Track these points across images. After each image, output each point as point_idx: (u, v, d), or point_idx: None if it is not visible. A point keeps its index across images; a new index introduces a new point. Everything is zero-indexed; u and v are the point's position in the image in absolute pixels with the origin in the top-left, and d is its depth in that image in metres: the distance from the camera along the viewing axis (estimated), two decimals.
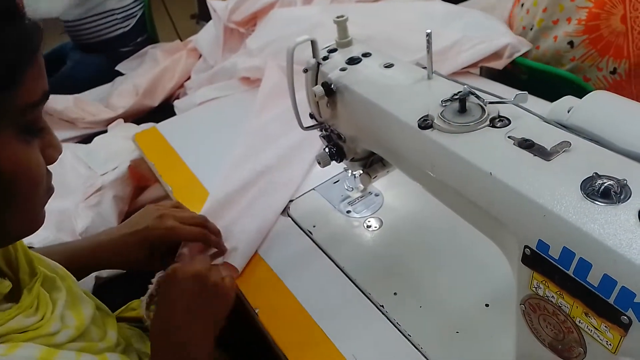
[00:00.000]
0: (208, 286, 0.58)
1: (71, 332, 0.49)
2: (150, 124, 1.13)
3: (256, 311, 0.65)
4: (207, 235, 0.69)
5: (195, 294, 0.57)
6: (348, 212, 0.77)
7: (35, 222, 0.45)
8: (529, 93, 0.45)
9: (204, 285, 0.57)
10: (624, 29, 0.91)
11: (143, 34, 1.82)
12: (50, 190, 0.46)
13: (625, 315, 0.33)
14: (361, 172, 0.69)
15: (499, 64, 0.97)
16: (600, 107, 0.44)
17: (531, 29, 1.03)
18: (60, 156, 0.45)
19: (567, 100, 0.47)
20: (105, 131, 1.22)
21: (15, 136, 0.38)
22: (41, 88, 0.39)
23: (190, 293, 0.57)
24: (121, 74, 1.56)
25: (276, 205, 0.78)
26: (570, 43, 0.96)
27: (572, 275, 0.35)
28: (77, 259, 0.65)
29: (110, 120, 1.28)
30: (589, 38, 0.94)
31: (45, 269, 0.52)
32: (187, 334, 0.55)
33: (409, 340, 0.58)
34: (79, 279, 0.60)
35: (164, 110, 1.28)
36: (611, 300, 0.33)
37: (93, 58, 1.73)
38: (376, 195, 0.79)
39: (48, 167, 0.44)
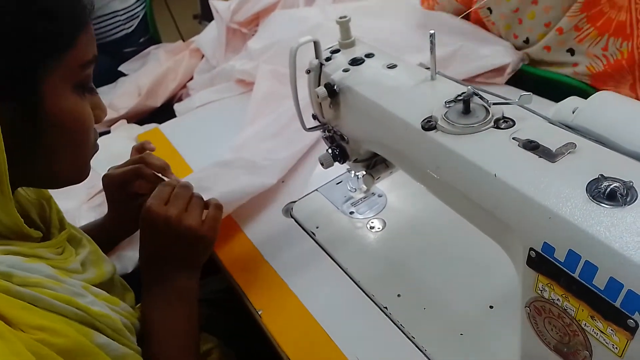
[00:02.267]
0: (180, 230, 0.57)
1: (89, 276, 0.51)
2: (153, 125, 1.13)
3: (259, 312, 0.64)
4: (139, 169, 0.67)
5: (167, 237, 0.58)
6: (351, 213, 0.77)
7: (81, 171, 0.50)
8: (539, 96, 0.45)
9: (175, 229, 0.57)
10: (633, 97, 0.84)
11: (146, 35, 1.82)
12: (95, 147, 0.51)
13: (632, 318, 0.33)
14: (364, 173, 0.69)
15: (499, 80, 0.97)
16: (605, 108, 0.44)
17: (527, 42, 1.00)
18: None
19: (572, 101, 0.46)
20: (108, 132, 1.22)
21: (72, 90, 0.45)
22: (92, 51, 0.46)
23: (163, 235, 0.58)
24: (124, 75, 1.56)
25: (265, 177, 0.80)
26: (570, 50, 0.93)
27: (578, 278, 0.35)
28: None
29: (113, 121, 1.28)
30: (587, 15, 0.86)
31: (74, 230, 0.57)
32: (168, 267, 0.58)
33: (412, 342, 0.58)
34: None
35: (166, 111, 1.28)
36: (617, 304, 0.33)
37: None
38: (379, 196, 0.79)
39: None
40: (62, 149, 0.46)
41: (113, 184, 0.69)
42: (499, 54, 0.96)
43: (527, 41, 0.96)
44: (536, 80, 0.97)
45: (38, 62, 0.41)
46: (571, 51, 0.90)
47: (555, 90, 0.94)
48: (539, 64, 0.97)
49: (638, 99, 0.83)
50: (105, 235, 0.70)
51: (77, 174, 0.50)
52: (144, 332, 0.55)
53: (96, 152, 0.52)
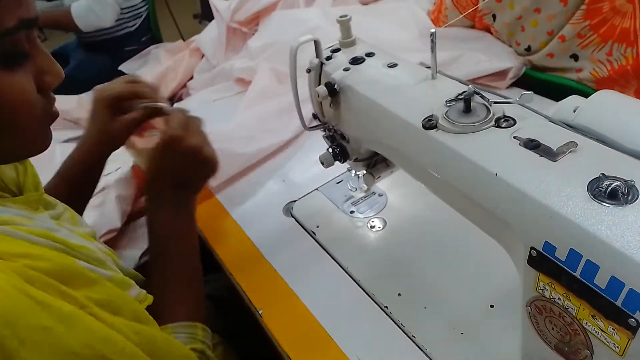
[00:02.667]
0: (201, 159, 0.60)
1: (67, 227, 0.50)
2: None
3: (260, 312, 0.64)
4: (136, 87, 0.68)
5: (188, 164, 0.60)
6: (352, 212, 0.77)
7: (34, 144, 0.46)
8: (542, 96, 0.45)
9: (196, 157, 0.60)
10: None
11: (147, 34, 1.83)
12: (52, 115, 0.47)
13: (633, 317, 0.33)
14: (365, 172, 0.69)
15: (501, 84, 0.96)
16: (606, 107, 0.44)
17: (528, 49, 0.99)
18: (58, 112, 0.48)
19: (573, 100, 0.46)
20: None
21: None
22: (16, 16, 0.39)
23: (184, 163, 0.60)
24: (124, 74, 1.56)
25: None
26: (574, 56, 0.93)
27: (579, 277, 0.35)
28: (76, 166, 0.70)
29: None
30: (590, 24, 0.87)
31: (49, 198, 0.55)
32: (183, 192, 0.61)
33: (413, 341, 0.58)
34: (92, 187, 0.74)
35: None
36: (619, 303, 0.33)
37: (96, 58, 1.73)
38: (380, 195, 0.79)
39: (51, 92, 0.46)
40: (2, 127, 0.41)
41: (106, 98, 0.67)
42: (501, 58, 0.96)
43: (529, 49, 0.96)
44: (539, 84, 0.97)
45: None
46: (575, 57, 0.90)
47: (558, 92, 0.94)
48: (543, 70, 0.97)
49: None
50: (85, 159, 0.70)
51: (29, 149, 0.46)
52: (151, 245, 0.59)
53: (55, 118, 0.48)
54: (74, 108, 1.28)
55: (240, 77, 1.13)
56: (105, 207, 0.95)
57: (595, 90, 0.87)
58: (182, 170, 0.60)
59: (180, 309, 0.55)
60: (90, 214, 0.94)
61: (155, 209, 0.60)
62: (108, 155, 0.72)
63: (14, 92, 0.41)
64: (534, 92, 0.44)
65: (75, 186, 0.71)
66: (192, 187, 0.62)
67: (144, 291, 0.51)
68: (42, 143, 0.47)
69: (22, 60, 0.42)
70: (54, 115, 0.48)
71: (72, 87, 1.45)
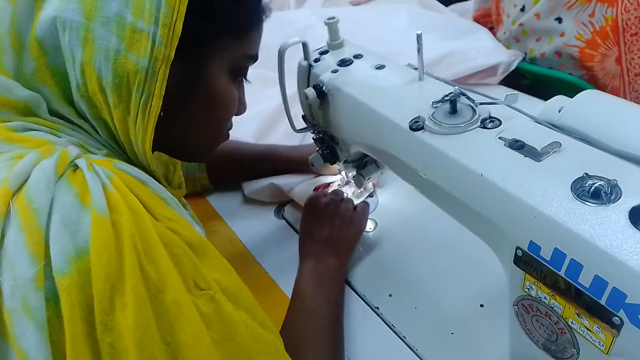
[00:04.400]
0: (338, 211, 0.69)
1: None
2: None
3: None
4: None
5: (327, 222, 0.68)
6: None
7: (209, 150, 0.55)
8: (532, 96, 0.45)
9: (333, 215, 0.68)
10: (619, 70, 0.88)
11: None
12: (227, 136, 0.56)
13: (617, 316, 0.33)
14: (355, 173, 0.69)
15: (493, 80, 0.97)
16: (591, 107, 0.44)
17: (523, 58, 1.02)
18: None
19: (559, 100, 0.46)
20: None
21: (227, 73, 0.48)
22: (255, 49, 0.50)
23: (321, 221, 0.68)
24: None
25: None
26: (570, 75, 0.94)
27: (564, 276, 0.35)
28: (269, 157, 0.83)
29: None
30: (587, 74, 0.92)
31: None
32: (324, 248, 0.65)
33: (404, 341, 0.58)
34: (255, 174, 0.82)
35: None
36: (602, 301, 0.33)
37: None
38: (371, 196, 0.79)
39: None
40: (202, 121, 0.49)
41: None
42: (491, 54, 0.96)
43: (523, 9, 0.97)
44: (532, 78, 0.98)
45: (215, 37, 0.45)
46: (559, 19, 0.91)
47: (550, 89, 0.95)
48: (531, 33, 0.98)
49: (623, 72, 0.87)
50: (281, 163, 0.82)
51: (204, 152, 0.55)
52: (296, 298, 0.60)
53: (224, 140, 0.56)
54: None
55: None
56: None
57: (582, 71, 0.90)
58: (326, 230, 0.67)
59: (310, 356, 0.53)
60: None
61: (301, 258, 0.66)
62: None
63: (232, 99, 0.50)
64: (526, 88, 0.45)
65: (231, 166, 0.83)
66: (336, 246, 0.66)
67: None
68: (211, 154, 0.56)
69: (240, 83, 0.53)
70: (227, 138, 0.56)
71: None
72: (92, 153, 0.41)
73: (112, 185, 0.36)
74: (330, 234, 0.66)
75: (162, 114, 0.42)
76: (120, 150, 0.45)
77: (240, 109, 0.54)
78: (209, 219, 0.81)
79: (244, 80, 0.53)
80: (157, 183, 0.43)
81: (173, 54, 0.40)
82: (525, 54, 1.00)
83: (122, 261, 0.33)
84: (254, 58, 0.51)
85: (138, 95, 0.40)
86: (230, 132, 0.57)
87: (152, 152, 0.48)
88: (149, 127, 0.41)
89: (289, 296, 0.65)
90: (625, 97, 0.90)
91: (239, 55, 0.48)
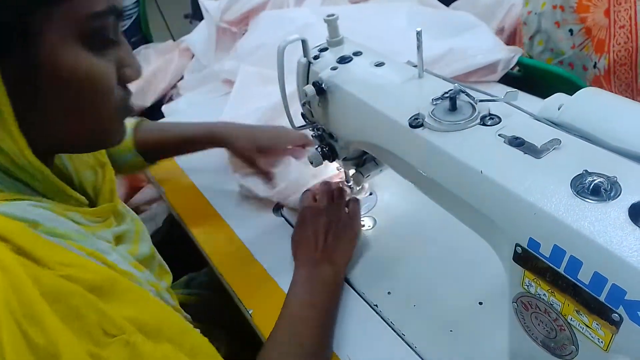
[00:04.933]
0: (333, 223, 0.68)
1: (121, 249, 0.49)
2: None
3: (250, 312, 0.64)
4: (307, 141, 0.80)
5: (322, 231, 0.67)
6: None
7: (110, 135, 0.46)
8: (524, 91, 0.45)
9: (329, 223, 0.68)
10: (606, 22, 0.90)
11: (137, 34, 1.81)
12: (127, 110, 0.47)
13: (616, 312, 0.33)
14: (354, 171, 0.69)
15: (493, 77, 0.97)
16: (590, 104, 0.44)
17: (536, 13, 1.03)
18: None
19: (558, 98, 0.46)
20: None
21: (79, 45, 0.39)
22: (107, 2, 0.40)
23: (316, 229, 0.67)
24: None
25: None
26: (570, 31, 0.96)
27: (563, 273, 0.35)
28: (193, 137, 0.82)
29: None
30: (584, 27, 0.93)
31: (121, 207, 0.56)
32: (318, 258, 0.64)
33: (402, 339, 0.58)
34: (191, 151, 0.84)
35: (156, 111, 1.27)
36: (602, 298, 0.33)
37: None
38: (370, 194, 0.79)
39: (127, 85, 0.46)
40: (72, 111, 0.41)
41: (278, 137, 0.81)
42: (490, 51, 0.96)
43: None
44: (531, 71, 0.99)
45: (32, 10, 0.36)
46: None
47: (543, 83, 0.96)
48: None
49: (610, 24, 0.89)
50: (210, 141, 0.82)
51: (101, 138, 0.46)
52: (286, 305, 0.59)
53: (128, 114, 0.48)
54: None
55: (227, 78, 1.12)
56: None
57: (578, 18, 0.91)
58: (321, 238, 0.66)
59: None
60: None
61: (295, 265, 0.65)
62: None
63: (98, 75, 0.41)
64: (519, 82, 0.45)
65: (164, 149, 0.82)
66: (331, 254, 0.65)
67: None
68: (116, 135, 0.47)
69: (109, 47, 0.42)
70: (130, 110, 0.48)
71: None
72: None
73: None
74: (326, 243, 0.66)
75: (21, 116, 0.37)
76: (9, 175, 0.39)
77: (128, 74, 0.45)
78: (207, 217, 0.81)
79: (116, 41, 0.43)
80: (56, 216, 0.40)
81: None
82: (539, 10, 1.02)
83: None
84: (109, 13, 0.40)
85: None
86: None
87: (48, 158, 0.45)
88: (14, 135, 0.37)
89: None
90: (609, 51, 0.92)
91: (81, 19, 0.38)
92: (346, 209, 0.71)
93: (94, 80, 0.41)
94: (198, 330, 0.47)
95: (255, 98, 0.96)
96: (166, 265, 0.63)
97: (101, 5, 0.40)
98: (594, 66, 0.95)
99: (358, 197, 0.77)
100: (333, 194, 0.73)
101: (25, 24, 0.36)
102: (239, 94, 1.00)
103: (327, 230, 0.67)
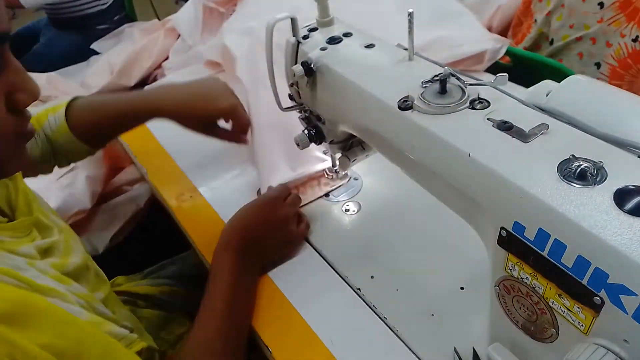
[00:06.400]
0: (285, 231, 0.66)
1: (48, 262, 0.48)
2: None
3: None
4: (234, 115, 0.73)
5: (273, 232, 0.65)
6: (327, 195, 0.76)
7: (4, 166, 0.44)
8: (513, 80, 0.45)
9: (284, 228, 0.66)
10: None
11: (121, 12, 1.77)
12: (26, 134, 0.45)
13: (598, 296, 0.33)
14: (340, 155, 0.69)
15: (480, 67, 0.97)
16: (578, 91, 0.44)
17: None
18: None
19: (546, 84, 0.47)
20: None
21: None
22: None
23: (269, 229, 0.65)
24: (97, 53, 1.51)
25: None
26: (601, 4, 0.95)
27: (547, 256, 0.35)
28: (137, 106, 0.72)
29: None
30: (619, 1, 0.92)
31: (43, 218, 0.53)
32: (252, 253, 0.63)
33: (385, 322, 0.58)
34: (126, 130, 0.75)
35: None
36: (584, 281, 0.34)
37: (67, 36, 1.68)
38: (355, 179, 0.79)
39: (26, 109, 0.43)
40: None
41: (233, 112, 0.72)
42: (476, 41, 0.96)
43: None
44: (518, 61, 0.99)
45: None
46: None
47: (531, 72, 0.96)
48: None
49: None
50: (158, 110, 0.72)
51: (6, 166, 0.44)
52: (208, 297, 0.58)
53: (30, 137, 0.46)
54: (43, 86, 1.24)
55: (209, 59, 1.10)
56: (74, 188, 0.93)
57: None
58: (258, 232, 0.64)
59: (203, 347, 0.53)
60: (59, 194, 0.91)
61: (219, 253, 0.63)
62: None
63: None
64: (512, 72, 0.45)
65: (101, 131, 0.73)
66: (263, 252, 0.65)
67: (135, 336, 0.49)
68: (14, 165, 0.45)
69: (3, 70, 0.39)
70: (29, 135, 0.45)
71: (41, 64, 1.40)
72: None
73: None
74: (266, 246, 0.65)
75: None
76: None
77: (21, 99, 0.42)
78: (191, 200, 0.80)
79: (5, 62, 0.40)
80: None
81: None
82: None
83: None
84: None
85: None
86: None
87: None
88: None
89: (272, 277, 0.66)
90: None
91: None
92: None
93: None
94: (136, 336, 0.48)
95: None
96: (103, 275, 0.62)
97: None
98: (635, 40, 0.92)
99: (340, 183, 0.77)
100: (295, 204, 0.71)
101: None
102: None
103: (277, 234, 0.66)
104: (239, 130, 0.76)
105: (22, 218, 0.49)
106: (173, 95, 0.72)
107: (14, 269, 0.40)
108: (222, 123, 0.75)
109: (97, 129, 0.72)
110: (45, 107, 0.70)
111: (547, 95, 0.45)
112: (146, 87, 0.73)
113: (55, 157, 0.72)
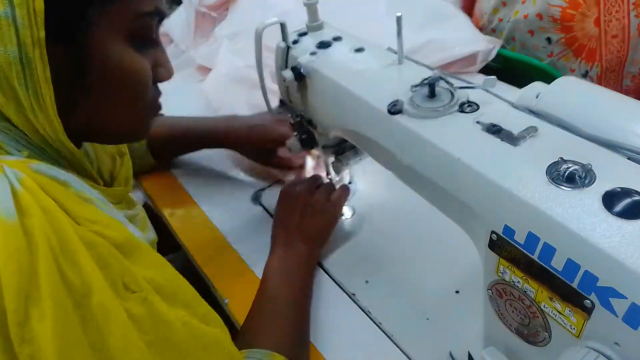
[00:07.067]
0: (309, 205, 0.67)
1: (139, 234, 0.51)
2: None
3: (225, 301, 0.63)
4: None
5: (298, 211, 0.67)
6: None
7: (138, 129, 0.49)
8: (504, 82, 0.45)
9: (305, 204, 0.67)
10: (597, 32, 0.90)
11: None
12: (155, 108, 0.50)
13: (589, 299, 0.33)
14: (333, 159, 0.69)
15: (473, 69, 0.97)
16: (567, 93, 0.44)
17: (508, 21, 1.02)
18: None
19: (536, 86, 0.46)
20: None
21: (126, 42, 0.42)
22: (154, 4, 0.43)
23: (292, 210, 0.67)
24: None
25: None
26: (548, 39, 0.96)
27: (537, 260, 0.35)
28: (206, 133, 0.80)
29: None
30: (565, 37, 0.93)
31: (131, 195, 0.56)
32: (294, 235, 0.64)
33: (379, 328, 0.58)
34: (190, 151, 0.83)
35: None
36: (574, 285, 0.33)
37: None
38: (349, 183, 0.78)
39: (159, 84, 0.49)
40: (112, 102, 0.44)
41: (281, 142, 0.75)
42: (468, 42, 0.96)
43: None
44: (510, 64, 0.99)
45: (87, 5, 0.38)
46: None
47: (521, 74, 0.96)
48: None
49: (601, 33, 0.88)
50: (212, 139, 0.80)
51: (132, 131, 0.49)
52: (261, 285, 0.60)
53: (157, 112, 0.51)
54: None
55: (201, 64, 1.10)
56: None
57: (561, 27, 0.91)
58: (296, 218, 0.66)
59: (266, 339, 0.53)
60: None
61: (271, 246, 0.66)
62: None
63: (139, 72, 0.43)
64: (497, 73, 0.45)
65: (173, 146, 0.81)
66: (305, 234, 0.65)
67: None
68: (144, 130, 0.50)
69: (149, 47, 0.45)
70: (158, 109, 0.51)
71: None
72: (11, 154, 0.38)
73: (22, 186, 0.33)
74: (300, 223, 0.66)
75: (61, 101, 0.38)
76: (43, 150, 0.41)
77: (162, 74, 0.48)
78: (183, 205, 0.80)
79: (155, 41, 0.46)
80: (82, 183, 0.41)
81: (43, 34, 0.35)
82: (510, 18, 1.01)
83: (35, 268, 0.31)
84: (155, 14, 0.43)
85: (23, 88, 0.36)
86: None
87: (80, 144, 0.47)
88: (51, 118, 0.38)
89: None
90: (600, 60, 0.93)
91: (130, 17, 0.41)
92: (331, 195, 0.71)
93: (135, 76, 0.43)
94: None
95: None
96: None
97: (149, 6, 0.42)
98: (585, 75, 0.95)
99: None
100: (314, 182, 0.72)
101: (80, 17, 0.38)
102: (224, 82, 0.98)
103: (304, 209, 0.67)
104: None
105: (119, 188, 0.52)
106: (237, 128, 0.79)
107: (119, 220, 0.43)
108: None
109: (170, 145, 0.80)
110: None
111: (536, 97, 0.45)
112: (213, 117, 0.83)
113: None
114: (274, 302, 0.57)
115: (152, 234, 0.56)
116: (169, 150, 0.82)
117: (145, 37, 0.44)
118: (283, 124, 0.76)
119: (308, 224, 0.66)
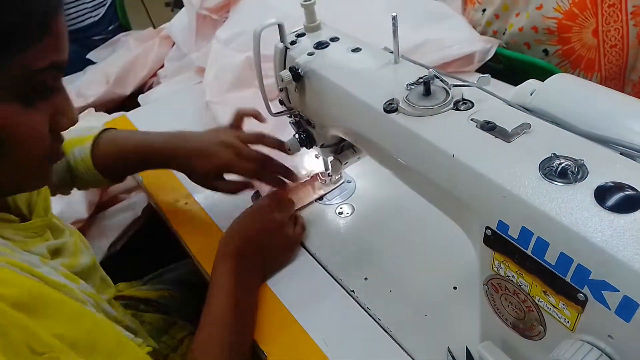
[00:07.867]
0: (281, 235, 0.67)
1: (58, 262, 0.49)
2: (120, 113, 1.10)
3: None
4: (260, 174, 0.72)
5: (270, 237, 0.66)
6: (320, 199, 0.77)
7: (33, 181, 0.47)
8: (505, 82, 0.45)
9: (281, 233, 0.67)
10: (595, 42, 0.90)
11: (115, 22, 1.78)
12: (58, 155, 0.48)
13: (582, 292, 0.33)
14: (332, 158, 0.69)
15: (470, 69, 0.98)
16: (561, 90, 0.45)
17: (504, 33, 1.02)
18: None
19: (531, 84, 0.47)
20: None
21: (13, 97, 0.39)
22: (50, 58, 0.40)
23: (266, 234, 0.65)
24: (93, 63, 1.52)
25: None
26: (545, 51, 0.96)
27: (531, 254, 0.36)
28: (152, 154, 0.72)
29: (81, 110, 1.25)
30: (562, 49, 0.93)
31: (57, 221, 0.55)
32: (249, 258, 0.63)
33: (378, 324, 0.59)
34: (141, 170, 0.77)
35: (136, 100, 1.25)
36: (567, 278, 0.34)
37: None
38: (348, 182, 0.79)
39: (62, 132, 0.46)
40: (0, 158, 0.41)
41: (227, 168, 0.70)
42: (465, 42, 0.97)
43: None
44: (506, 63, 0.99)
45: None
46: None
47: (523, 74, 0.96)
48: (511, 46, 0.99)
49: (599, 44, 0.89)
50: (166, 160, 0.72)
51: (28, 183, 0.47)
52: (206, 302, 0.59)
53: (57, 160, 0.48)
54: None
55: (199, 65, 1.11)
56: (71, 197, 0.93)
57: (557, 39, 0.92)
58: (257, 239, 0.65)
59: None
60: (57, 204, 0.92)
61: (219, 262, 0.63)
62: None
63: (29, 127, 0.41)
64: (499, 73, 0.45)
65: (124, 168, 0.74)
66: (262, 259, 0.65)
67: (140, 340, 0.50)
68: (40, 180, 0.48)
69: (43, 98, 0.42)
70: (59, 156, 0.48)
71: None
72: None
73: None
74: (265, 253, 0.65)
75: None
76: None
77: (62, 123, 0.45)
78: (185, 206, 0.80)
79: (56, 88, 0.44)
80: None
81: None
82: (505, 31, 1.01)
83: None
84: (49, 69, 0.40)
85: None
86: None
87: None
88: None
89: (267, 281, 0.66)
90: (599, 70, 0.92)
91: (18, 76, 0.38)
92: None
93: (26, 133, 0.41)
94: (141, 341, 0.49)
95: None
96: (109, 280, 0.63)
97: (42, 62, 0.39)
98: None
99: (334, 186, 0.77)
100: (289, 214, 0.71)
101: None
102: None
103: (274, 239, 0.66)
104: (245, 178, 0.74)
105: (37, 219, 0.50)
106: (180, 152, 0.71)
107: (28, 264, 0.42)
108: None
109: (119, 165, 0.73)
110: (73, 136, 0.70)
111: (531, 95, 0.45)
112: (167, 132, 0.74)
113: (73, 182, 0.74)
114: (222, 329, 0.57)
115: (85, 259, 0.55)
116: (121, 171, 0.75)
117: (38, 90, 0.41)
118: (228, 147, 0.69)
119: (273, 256, 0.66)
